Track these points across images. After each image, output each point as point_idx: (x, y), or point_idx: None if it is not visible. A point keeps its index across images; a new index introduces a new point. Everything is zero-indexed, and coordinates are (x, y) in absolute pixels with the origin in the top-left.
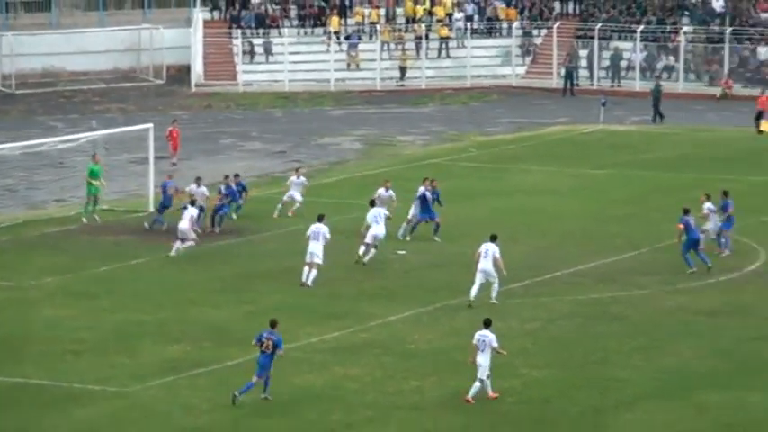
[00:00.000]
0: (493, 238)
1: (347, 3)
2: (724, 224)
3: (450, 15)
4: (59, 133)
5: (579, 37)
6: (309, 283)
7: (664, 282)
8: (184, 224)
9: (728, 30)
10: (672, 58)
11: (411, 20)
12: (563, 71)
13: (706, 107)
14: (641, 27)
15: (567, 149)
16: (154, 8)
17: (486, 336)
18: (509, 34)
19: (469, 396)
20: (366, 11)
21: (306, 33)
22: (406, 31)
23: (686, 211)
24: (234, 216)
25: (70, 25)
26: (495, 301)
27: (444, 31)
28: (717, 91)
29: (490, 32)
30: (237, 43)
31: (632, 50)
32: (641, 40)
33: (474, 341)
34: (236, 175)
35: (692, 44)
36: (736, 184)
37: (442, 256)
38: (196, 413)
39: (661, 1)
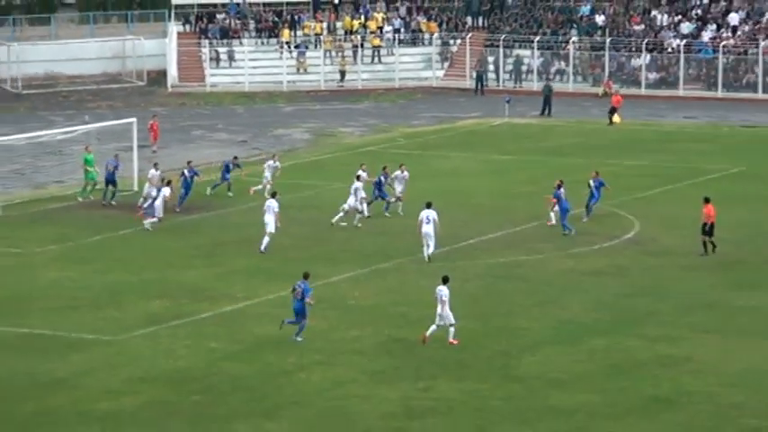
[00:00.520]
0: (428, 205)
1: (296, 18)
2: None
3: (381, 28)
4: (58, 126)
5: (487, 46)
6: (262, 248)
7: (557, 248)
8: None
9: (608, 40)
10: (563, 63)
11: (349, 32)
12: (474, 74)
13: (591, 104)
14: (538, 38)
15: (479, 139)
16: (136, 22)
17: (442, 290)
18: (430, 44)
19: (428, 333)
20: (312, 24)
21: (262, 43)
22: (345, 41)
23: (559, 186)
24: (208, 192)
25: (66, 37)
26: (428, 260)
27: (376, 41)
28: (599, 90)
29: (414, 42)
30: (205, 51)
31: (531, 57)
32: (538, 49)
33: (435, 294)
34: (235, 157)
35: (579, 51)
36: (615, 168)
37: (375, 228)
38: (175, 357)
39: (554, 16)
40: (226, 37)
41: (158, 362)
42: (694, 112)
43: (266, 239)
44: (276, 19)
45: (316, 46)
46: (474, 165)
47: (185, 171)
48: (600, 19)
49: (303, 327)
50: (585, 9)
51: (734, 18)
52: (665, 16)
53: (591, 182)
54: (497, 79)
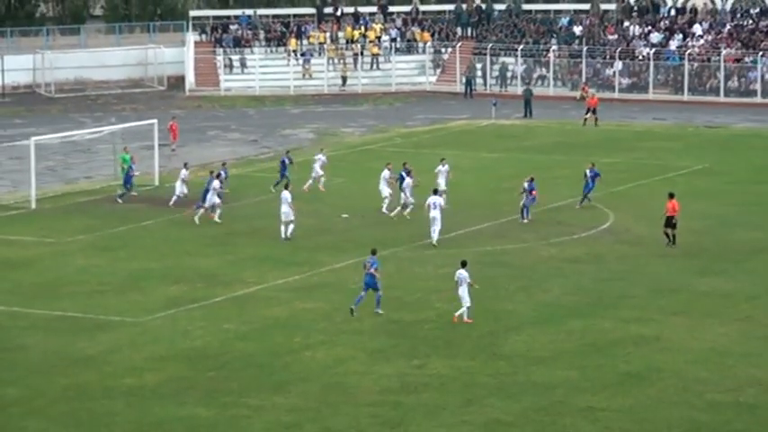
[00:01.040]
0: (435, 192)
1: (302, 29)
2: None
3: (379, 38)
4: (87, 127)
5: (476, 54)
6: (288, 235)
7: (540, 237)
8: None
9: (585, 48)
10: (544, 70)
11: (350, 41)
12: (464, 79)
13: (570, 106)
14: (521, 46)
15: (468, 138)
16: (157, 32)
17: (462, 274)
18: (424, 52)
19: (456, 315)
20: (316, 34)
21: (271, 51)
22: (347, 49)
23: (531, 180)
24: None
25: (94, 45)
26: (435, 243)
27: (375, 50)
28: (577, 94)
29: (409, 50)
30: (220, 59)
31: (515, 64)
32: (521, 56)
33: (455, 278)
34: (288, 151)
35: (558, 59)
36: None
37: (374, 219)
38: (192, 338)
39: (535, 27)
40: (238, 46)
41: (177, 341)
42: (663, 114)
43: (291, 227)
44: (284, 29)
45: (320, 54)
46: (463, 162)
47: (221, 172)
48: (577, 29)
49: (379, 298)
50: (564, 20)
51: (698, 29)
52: (637, 27)
53: (587, 171)
54: (485, 84)
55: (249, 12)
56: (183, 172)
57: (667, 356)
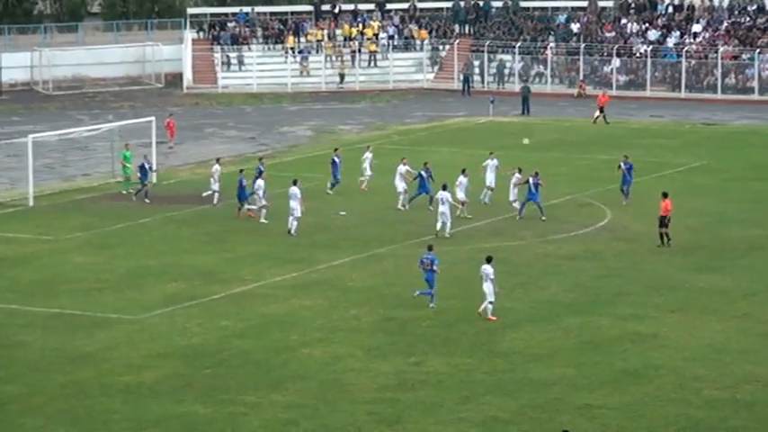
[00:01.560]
0: (444, 188)
1: (300, 26)
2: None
3: (376, 35)
4: (85, 124)
5: (473, 51)
6: (292, 231)
7: (537, 235)
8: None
9: (583, 46)
10: (542, 67)
11: (347, 38)
12: (461, 77)
13: (567, 104)
14: (519, 44)
15: (466, 135)
16: (155, 30)
17: (487, 269)
18: (421, 49)
19: (487, 314)
20: (314, 32)
21: (269, 49)
22: (344, 47)
23: (536, 174)
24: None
25: (92, 43)
26: (448, 236)
27: (372, 47)
28: (574, 91)
29: (407, 48)
30: (217, 56)
31: (512, 61)
32: (519, 54)
33: (480, 273)
34: (336, 149)
35: (556, 56)
36: (589, 161)
37: (371, 216)
38: (189, 335)
39: (533, 24)
40: (236, 43)
41: (174, 339)
42: (660, 112)
43: (295, 223)
44: (281, 27)
45: (317, 51)
46: (461, 159)
47: (260, 167)
48: (575, 27)
49: (433, 295)
50: (562, 18)
51: (695, 26)
52: (634, 24)
53: (621, 164)
54: (482, 81)
55: (247, 9)
56: (216, 167)
57: (664, 354)
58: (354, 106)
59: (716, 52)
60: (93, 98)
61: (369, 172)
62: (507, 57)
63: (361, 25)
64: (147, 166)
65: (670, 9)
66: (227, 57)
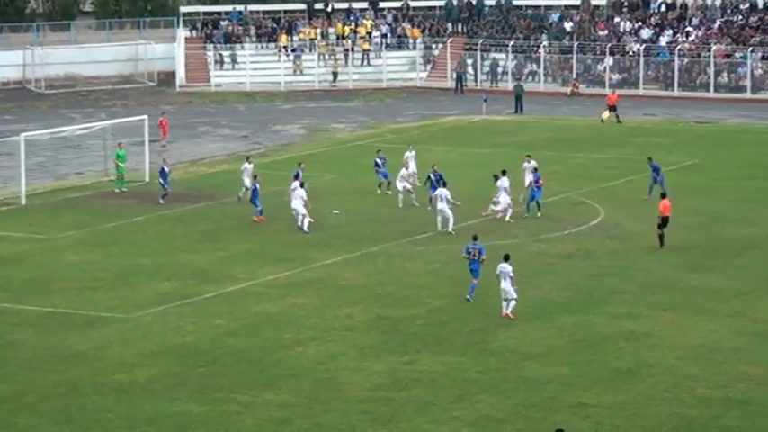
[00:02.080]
0: (444, 184)
1: (293, 24)
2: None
3: (369, 33)
4: (78, 123)
5: (466, 50)
6: (302, 226)
7: (530, 233)
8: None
9: (576, 44)
10: (535, 66)
11: (341, 37)
12: (455, 75)
13: (560, 102)
14: (512, 42)
15: (459, 134)
16: (148, 28)
17: (505, 267)
18: (414, 48)
19: (508, 312)
20: (307, 30)
21: (262, 47)
22: (337, 45)
23: (535, 170)
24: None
25: (85, 41)
26: (452, 232)
27: (366, 45)
28: (568, 90)
29: (400, 46)
30: (210, 55)
31: (505, 60)
32: (512, 52)
33: (497, 272)
34: (379, 150)
35: (549, 55)
36: (582, 160)
37: (364, 215)
38: (183, 333)
39: (526, 23)
40: (229, 42)
41: (168, 337)
42: (653, 110)
43: (307, 221)
44: (275, 25)
45: (310, 50)
46: (454, 157)
47: (299, 171)
48: (568, 25)
49: (474, 287)
50: (555, 16)
51: (688, 25)
52: (627, 23)
53: (650, 166)
54: (475, 80)
55: (240, 8)
56: (247, 166)
57: (658, 352)
58: (347, 105)
59: (709, 51)
60: (85, 97)
61: (413, 169)
62: (500, 55)
63: (354, 24)
64: (166, 170)
65: (663, 8)
66: (221, 55)
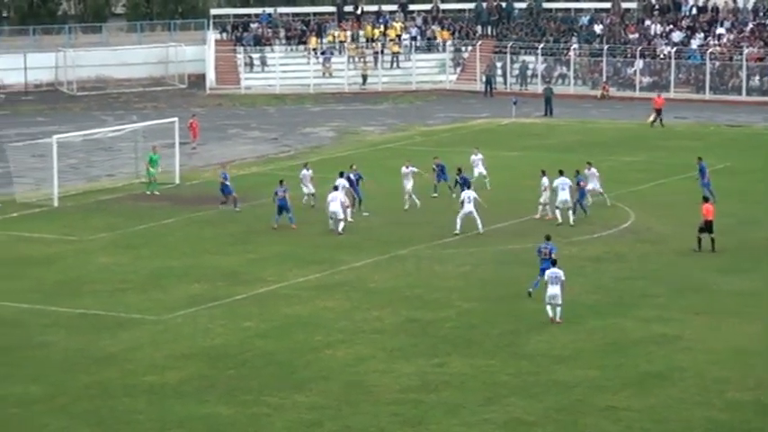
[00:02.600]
0: (468, 186)
1: (322, 27)
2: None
3: (399, 36)
4: (109, 125)
5: (496, 52)
6: (339, 230)
7: (560, 236)
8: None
9: (606, 47)
10: (565, 68)
11: (370, 39)
12: (484, 78)
13: (590, 105)
14: (542, 45)
15: (488, 137)
16: (178, 30)
17: (555, 272)
18: (444, 50)
19: (557, 318)
20: (336, 33)
21: (292, 50)
22: (367, 48)
23: (577, 172)
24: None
25: (116, 44)
26: (481, 232)
27: (395, 48)
28: (598, 93)
29: (430, 49)
30: (240, 57)
31: (535, 62)
32: (542, 55)
33: (545, 277)
34: (436, 156)
35: (579, 58)
36: (612, 163)
37: (394, 217)
38: (212, 335)
39: (556, 25)
40: (259, 44)
41: (198, 339)
42: (684, 113)
43: (341, 224)
44: (304, 28)
45: (340, 52)
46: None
47: (350, 175)
48: (598, 28)
49: (538, 284)
50: (585, 19)
51: (720, 27)
52: (658, 26)
53: (698, 166)
54: (505, 83)
55: (270, 10)
56: (305, 172)
57: (688, 356)
58: (377, 107)
59: (740, 54)
60: (116, 99)
61: (483, 171)
62: (530, 58)
63: (383, 26)
64: (227, 178)
65: (694, 10)
66: (250, 58)
